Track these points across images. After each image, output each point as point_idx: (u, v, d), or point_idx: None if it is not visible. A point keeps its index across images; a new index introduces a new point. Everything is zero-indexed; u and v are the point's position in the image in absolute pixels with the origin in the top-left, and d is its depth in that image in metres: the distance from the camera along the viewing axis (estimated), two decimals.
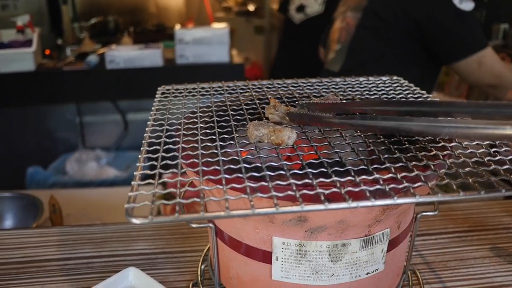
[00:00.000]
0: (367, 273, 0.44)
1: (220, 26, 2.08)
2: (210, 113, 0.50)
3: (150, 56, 1.94)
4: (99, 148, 2.14)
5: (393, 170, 0.36)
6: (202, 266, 0.56)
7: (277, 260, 0.42)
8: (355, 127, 0.40)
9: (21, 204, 1.09)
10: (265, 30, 3.43)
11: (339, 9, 1.40)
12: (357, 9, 1.30)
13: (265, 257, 0.43)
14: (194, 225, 0.47)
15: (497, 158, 0.39)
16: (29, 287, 0.55)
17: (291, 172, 0.36)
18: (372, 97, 0.56)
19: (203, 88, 0.59)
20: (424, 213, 0.48)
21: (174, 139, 0.43)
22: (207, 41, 1.97)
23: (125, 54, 1.93)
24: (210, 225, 0.47)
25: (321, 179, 0.35)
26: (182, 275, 0.57)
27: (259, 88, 0.59)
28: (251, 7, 3.57)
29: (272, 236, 0.42)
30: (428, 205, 0.53)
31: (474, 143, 0.41)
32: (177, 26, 2.12)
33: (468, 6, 1.12)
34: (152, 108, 0.51)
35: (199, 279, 0.55)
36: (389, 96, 0.55)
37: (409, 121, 0.36)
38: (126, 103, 2.20)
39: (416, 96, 0.55)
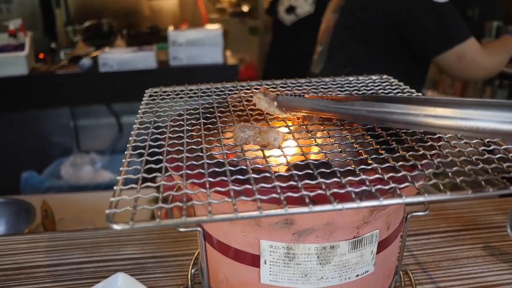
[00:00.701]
0: (357, 275, 0.43)
1: (213, 28, 2.08)
2: (197, 115, 0.49)
3: (143, 59, 1.94)
4: (94, 152, 2.14)
5: (379, 171, 0.36)
6: (193, 270, 0.56)
7: (265, 263, 0.42)
8: (345, 115, 0.40)
9: (14, 209, 1.08)
10: (259, 31, 3.42)
11: (327, 10, 1.40)
12: (336, 10, 1.30)
13: (253, 260, 0.42)
14: (182, 229, 0.46)
15: (485, 156, 0.39)
16: None
17: (277, 174, 0.36)
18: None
19: (191, 90, 0.58)
20: (415, 213, 0.48)
21: (159, 143, 0.43)
22: (201, 42, 1.97)
23: (119, 57, 1.93)
24: (198, 229, 0.46)
25: (307, 181, 0.34)
26: (172, 280, 0.56)
27: (247, 89, 0.59)
28: (245, 8, 3.57)
29: (259, 240, 0.41)
30: (419, 205, 0.52)
31: (462, 141, 0.41)
32: (171, 28, 2.12)
33: None
34: (139, 111, 0.51)
35: (189, 283, 0.54)
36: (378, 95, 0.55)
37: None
38: (120, 106, 2.19)
39: (406, 94, 0.55)
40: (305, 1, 1.87)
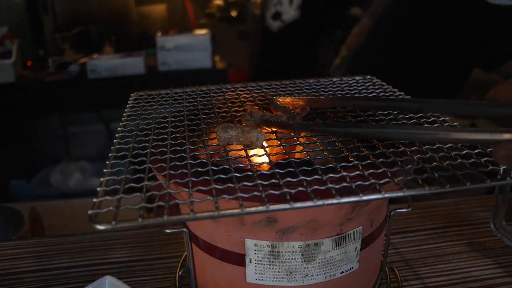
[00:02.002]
0: (342, 272, 0.44)
1: (202, 32, 2.09)
2: (181, 118, 0.50)
3: (132, 64, 1.94)
4: (84, 159, 2.13)
5: (360, 168, 0.36)
6: (180, 272, 0.56)
7: (250, 262, 0.42)
8: (329, 133, 0.41)
9: (2, 217, 1.07)
10: (248, 35, 3.43)
11: (366, 13, 1.29)
12: (373, 16, 1.20)
13: (239, 260, 0.43)
14: (168, 230, 0.47)
15: (464, 152, 0.39)
16: None
17: (259, 172, 0.36)
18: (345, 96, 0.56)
19: (176, 93, 0.59)
20: (398, 210, 0.49)
21: (143, 145, 0.43)
22: (189, 47, 1.97)
23: (107, 63, 1.93)
24: (184, 230, 0.46)
25: (288, 179, 0.35)
26: (160, 282, 0.56)
27: (232, 91, 0.59)
28: (233, 13, 3.58)
29: (244, 239, 0.41)
30: (402, 203, 0.53)
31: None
32: (159, 34, 2.12)
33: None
34: (124, 114, 0.51)
35: (177, 284, 0.54)
36: (361, 95, 0.56)
37: (388, 128, 0.37)
38: (109, 113, 2.19)
39: (388, 94, 0.55)
40: (290, 7, 1.87)
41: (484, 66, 1.01)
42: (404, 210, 0.49)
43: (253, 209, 0.32)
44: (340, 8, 1.55)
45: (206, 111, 0.52)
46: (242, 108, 0.52)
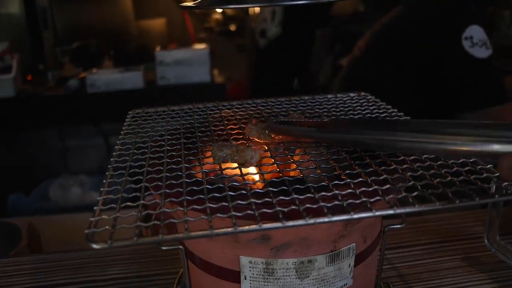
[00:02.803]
0: None
1: (201, 47, 2.10)
2: (178, 135, 0.51)
3: (130, 79, 1.95)
4: (83, 173, 2.13)
5: (352, 186, 0.37)
6: None
7: (245, 279, 0.43)
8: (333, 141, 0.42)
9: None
10: (247, 49, 3.46)
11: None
12: (368, 33, 1.25)
13: (234, 277, 0.43)
14: (164, 248, 0.47)
15: (454, 169, 0.40)
16: None
17: (252, 191, 0.37)
18: (339, 113, 0.57)
19: (173, 110, 0.60)
20: (391, 226, 0.49)
21: (139, 163, 0.44)
22: (188, 62, 1.99)
23: (106, 78, 1.94)
24: (180, 247, 0.47)
25: (281, 197, 0.35)
26: None
27: (228, 108, 0.60)
28: (232, 27, 3.61)
29: (239, 256, 0.42)
30: (396, 219, 0.54)
31: (432, 156, 0.42)
32: (158, 48, 2.14)
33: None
34: (121, 132, 0.52)
35: None
36: (355, 112, 0.56)
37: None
38: (108, 126, 2.19)
39: (381, 111, 0.56)
40: (272, 23, 1.90)
41: (463, 109, 1.07)
42: (398, 226, 0.49)
43: (246, 227, 0.32)
44: (322, 24, 1.59)
45: (202, 129, 0.52)
46: (237, 126, 0.53)
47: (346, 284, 0.45)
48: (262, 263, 0.42)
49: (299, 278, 0.42)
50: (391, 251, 0.63)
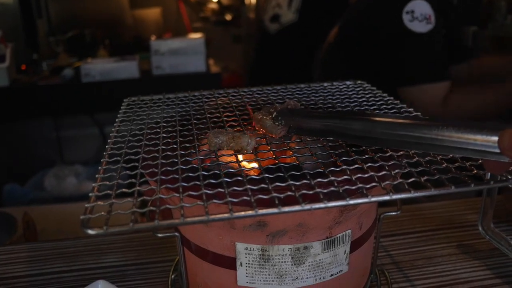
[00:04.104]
0: (331, 275, 0.44)
1: (196, 36, 2.09)
2: (173, 123, 0.50)
3: (126, 68, 1.94)
4: (78, 163, 2.12)
5: (348, 172, 0.37)
6: (173, 276, 0.56)
7: (241, 265, 0.43)
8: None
9: None
10: (243, 39, 3.44)
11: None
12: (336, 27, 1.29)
13: (230, 263, 0.43)
14: (159, 235, 0.47)
15: (449, 156, 0.40)
16: None
17: (249, 177, 0.37)
18: (335, 101, 0.57)
19: (168, 98, 0.59)
20: (387, 214, 0.49)
21: (135, 150, 0.43)
22: (183, 51, 1.98)
23: (101, 67, 1.93)
24: (176, 234, 0.47)
25: (277, 184, 0.35)
26: (153, 286, 0.57)
27: (224, 96, 0.60)
28: (228, 17, 3.59)
29: (235, 242, 0.42)
30: (392, 206, 0.54)
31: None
32: (153, 38, 2.12)
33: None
34: (116, 120, 0.52)
35: None
36: (351, 100, 0.56)
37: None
38: (103, 116, 2.19)
39: (377, 99, 0.56)
40: (289, 10, 1.88)
41: (403, 82, 1.11)
42: (393, 213, 0.50)
43: (242, 213, 0.32)
44: (340, 13, 1.58)
45: (198, 116, 0.52)
46: (233, 114, 0.52)
47: (342, 270, 0.45)
48: (258, 249, 0.42)
49: (294, 264, 0.42)
50: (386, 238, 0.64)
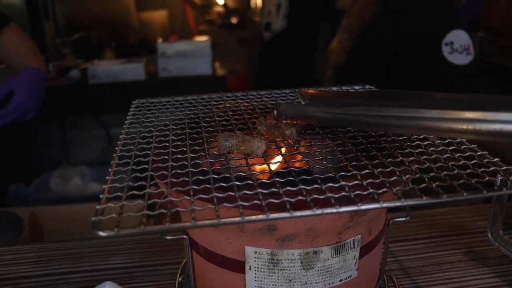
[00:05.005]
0: (340, 280, 0.44)
1: (202, 39, 2.10)
2: (182, 126, 0.50)
3: (132, 70, 1.95)
4: (83, 164, 2.13)
5: (359, 177, 0.37)
6: (180, 278, 0.56)
7: (250, 269, 0.43)
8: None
9: (1, 221, 1.07)
10: (248, 42, 3.45)
11: (344, 21, 1.30)
12: (352, 32, 1.23)
13: (239, 267, 0.43)
14: (168, 237, 0.47)
15: (461, 163, 0.40)
16: None
17: (259, 181, 0.37)
18: None
19: (177, 101, 0.60)
20: (396, 219, 0.49)
21: (145, 152, 0.43)
22: (189, 54, 1.98)
23: (107, 69, 1.93)
24: (185, 236, 0.47)
25: (288, 188, 0.35)
26: None
27: (233, 99, 0.60)
28: (234, 20, 3.59)
29: (244, 246, 0.42)
30: (400, 212, 0.54)
31: (439, 148, 0.42)
32: (159, 40, 2.13)
33: None
34: (125, 121, 0.52)
35: None
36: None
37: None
38: (109, 118, 2.19)
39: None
40: (277, 17, 1.89)
41: None
42: (403, 219, 0.49)
43: (254, 217, 0.32)
44: (327, 17, 1.58)
45: (207, 119, 0.52)
46: (242, 117, 0.52)
47: (351, 276, 0.45)
48: (267, 253, 0.41)
49: (304, 269, 0.42)
50: (394, 244, 0.63)
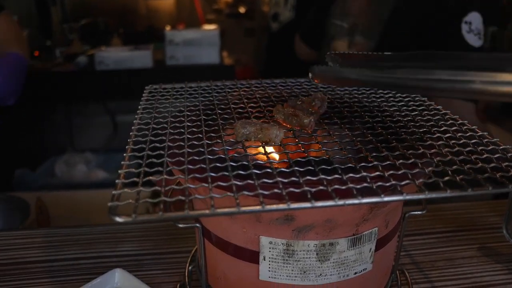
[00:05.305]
0: (355, 273, 0.43)
1: (211, 28, 2.08)
2: (197, 112, 0.49)
3: (140, 57, 1.94)
4: (88, 150, 2.13)
5: (380, 168, 0.36)
6: (190, 267, 0.56)
7: (264, 260, 0.42)
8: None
9: (8, 206, 1.07)
10: (256, 32, 3.42)
11: (337, 21, 1.26)
12: (369, 36, 1.18)
13: (252, 257, 0.42)
14: (180, 225, 0.46)
15: (484, 156, 0.39)
16: None
17: (278, 170, 0.36)
18: (361, 96, 0.55)
19: (191, 87, 0.59)
20: (412, 213, 0.48)
21: (160, 138, 0.43)
22: (197, 42, 1.97)
23: (115, 55, 1.92)
24: (197, 225, 0.46)
25: (308, 177, 0.34)
26: (169, 276, 0.56)
27: (247, 87, 0.59)
28: (242, 9, 3.57)
29: (259, 236, 0.41)
30: (416, 205, 0.53)
31: (461, 141, 0.41)
32: (167, 27, 2.12)
33: None
34: (139, 107, 0.51)
35: (186, 280, 0.54)
36: (377, 95, 0.55)
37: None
38: (115, 105, 2.18)
39: (404, 95, 0.55)
40: (285, 8, 1.87)
41: None
42: (419, 212, 0.48)
43: (274, 206, 0.31)
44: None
45: (222, 106, 0.51)
46: (258, 105, 0.51)
47: (366, 269, 0.44)
48: (282, 244, 0.41)
49: (319, 260, 0.41)
50: (407, 238, 0.63)
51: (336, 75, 0.41)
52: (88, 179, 1.98)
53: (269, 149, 0.41)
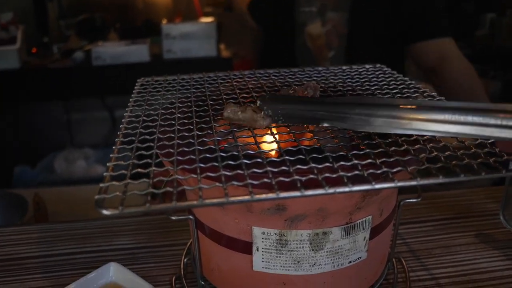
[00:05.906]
0: (350, 262, 0.43)
1: (207, 20, 2.07)
2: (189, 103, 0.49)
3: (136, 52, 1.93)
4: (87, 146, 2.12)
5: (372, 156, 0.36)
6: (185, 260, 0.56)
7: (257, 250, 0.42)
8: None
9: (6, 202, 1.07)
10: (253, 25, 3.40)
11: (305, 8, 1.25)
12: (341, 8, 1.20)
13: (246, 247, 0.42)
14: (173, 217, 0.46)
15: (478, 141, 0.38)
16: (8, 285, 0.54)
17: (268, 159, 0.35)
18: (354, 84, 0.55)
19: (183, 79, 0.58)
20: (407, 200, 0.48)
21: (150, 130, 0.42)
22: (194, 35, 1.96)
23: (111, 50, 1.92)
24: (190, 217, 0.46)
25: (298, 166, 0.34)
26: (165, 269, 0.56)
27: (240, 78, 0.58)
28: None
29: (251, 227, 0.41)
30: (411, 193, 0.52)
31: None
32: (164, 21, 2.10)
33: None
34: (130, 100, 0.50)
35: (182, 272, 0.54)
36: (371, 84, 0.55)
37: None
38: (113, 100, 2.18)
39: (399, 83, 0.54)
40: None
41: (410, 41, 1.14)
42: (414, 200, 0.48)
43: (263, 196, 0.31)
44: None
45: (214, 97, 0.51)
46: (250, 95, 0.51)
47: (360, 257, 0.44)
48: (275, 234, 0.40)
49: (313, 250, 0.41)
50: (403, 226, 0.62)
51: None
52: (87, 175, 1.98)
53: (260, 139, 0.40)
